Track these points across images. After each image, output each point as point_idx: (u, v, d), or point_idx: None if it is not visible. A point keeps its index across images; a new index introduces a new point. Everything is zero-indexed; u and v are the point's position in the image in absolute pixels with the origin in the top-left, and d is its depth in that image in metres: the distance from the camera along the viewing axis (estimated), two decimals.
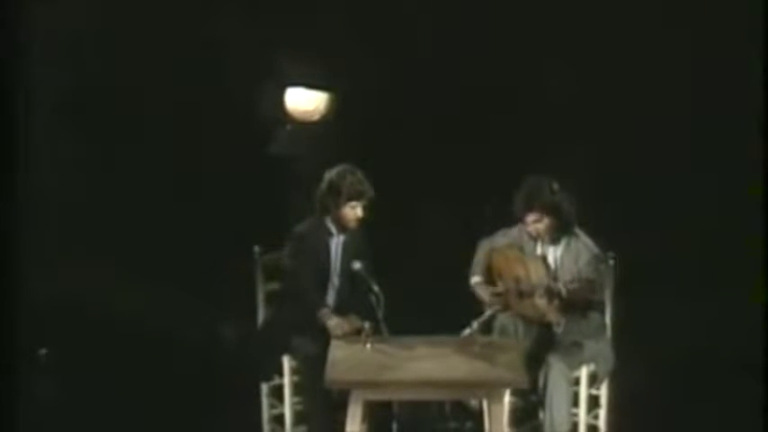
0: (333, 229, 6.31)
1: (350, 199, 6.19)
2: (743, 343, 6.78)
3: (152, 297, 7.36)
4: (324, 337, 6.08)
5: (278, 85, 7.70)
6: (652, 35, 7.24)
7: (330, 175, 6.26)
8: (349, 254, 6.35)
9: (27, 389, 6.43)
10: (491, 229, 6.53)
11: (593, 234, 6.26)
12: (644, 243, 6.98)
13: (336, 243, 6.36)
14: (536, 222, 6.15)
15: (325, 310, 6.28)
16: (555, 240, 6.21)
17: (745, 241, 7.01)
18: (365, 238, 6.46)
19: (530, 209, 6.14)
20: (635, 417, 6.37)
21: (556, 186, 6.16)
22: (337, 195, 6.20)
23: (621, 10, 7.20)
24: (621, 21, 7.26)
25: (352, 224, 6.27)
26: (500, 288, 6.28)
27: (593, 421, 6.15)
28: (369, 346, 5.75)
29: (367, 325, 5.87)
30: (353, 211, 6.22)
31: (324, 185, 6.26)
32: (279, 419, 6.36)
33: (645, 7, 7.20)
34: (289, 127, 7.74)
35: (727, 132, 7.28)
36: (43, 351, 7.08)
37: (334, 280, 6.38)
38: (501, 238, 6.40)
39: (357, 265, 6.03)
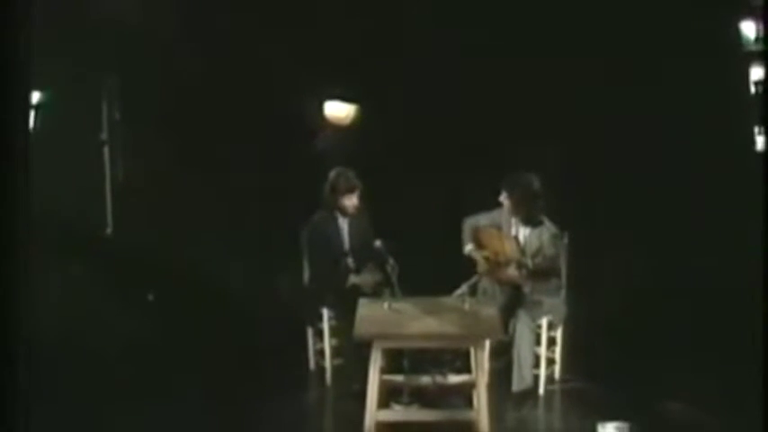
0: (338, 215, 7.19)
1: (345, 193, 7.10)
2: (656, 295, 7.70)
3: (227, 262, 8.14)
4: (348, 295, 6.86)
5: (318, 98, 8.68)
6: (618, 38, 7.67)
7: (330, 176, 7.11)
8: (357, 232, 7.19)
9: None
10: (473, 210, 7.19)
11: (555, 216, 7.02)
12: (590, 225, 7.54)
13: (343, 224, 7.21)
14: (507, 199, 6.98)
15: (350, 275, 7.15)
16: (524, 223, 7.03)
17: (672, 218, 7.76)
18: (367, 219, 7.25)
19: (505, 189, 7.00)
20: (581, 351, 7.19)
21: (535, 180, 6.96)
22: (335, 192, 7.11)
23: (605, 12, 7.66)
24: (602, 23, 7.76)
25: (352, 211, 7.14)
26: (487, 253, 7.05)
27: (551, 355, 7.08)
28: (386, 306, 6.39)
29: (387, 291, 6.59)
30: (350, 202, 7.10)
31: (327, 185, 7.13)
32: (321, 353, 7.22)
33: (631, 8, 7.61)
34: (327, 130, 8.71)
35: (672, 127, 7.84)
36: (151, 296, 7.81)
37: (349, 253, 7.24)
38: (484, 219, 7.16)
39: (378, 243, 6.65)
